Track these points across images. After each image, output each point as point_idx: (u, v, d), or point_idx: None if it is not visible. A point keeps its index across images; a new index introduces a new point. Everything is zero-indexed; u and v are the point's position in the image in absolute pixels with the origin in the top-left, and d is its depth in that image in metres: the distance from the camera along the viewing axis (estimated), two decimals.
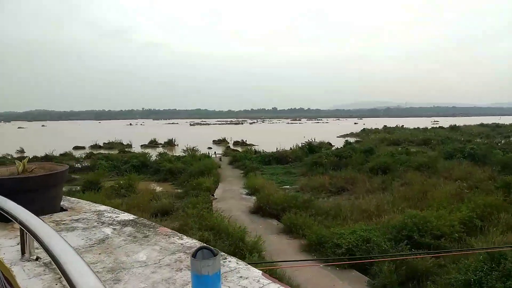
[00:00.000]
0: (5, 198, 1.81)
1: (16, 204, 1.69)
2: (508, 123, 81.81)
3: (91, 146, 51.50)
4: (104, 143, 54.19)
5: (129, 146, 52.57)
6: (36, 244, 1.47)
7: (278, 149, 35.29)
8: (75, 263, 1.00)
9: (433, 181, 17.55)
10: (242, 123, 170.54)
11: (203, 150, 39.85)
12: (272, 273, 7.92)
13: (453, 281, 7.51)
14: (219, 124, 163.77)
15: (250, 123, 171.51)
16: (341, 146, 36.38)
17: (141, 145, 52.38)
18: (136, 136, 64.91)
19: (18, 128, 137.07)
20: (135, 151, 41.40)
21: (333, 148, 36.66)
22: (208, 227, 10.79)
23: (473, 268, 7.57)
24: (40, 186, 2.57)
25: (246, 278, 1.61)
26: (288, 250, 10.90)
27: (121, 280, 1.60)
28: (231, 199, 17.76)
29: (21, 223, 1.53)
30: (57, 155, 37.72)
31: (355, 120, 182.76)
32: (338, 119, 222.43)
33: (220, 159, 33.38)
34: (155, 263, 1.78)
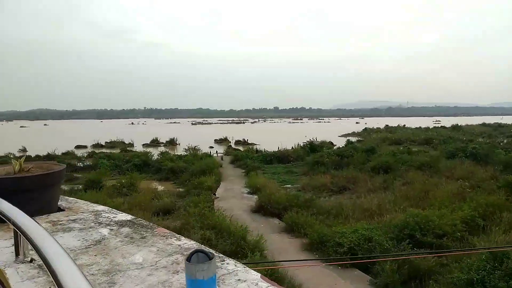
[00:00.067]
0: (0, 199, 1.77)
1: (10, 204, 1.65)
2: (510, 123, 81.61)
3: (93, 145, 51.61)
4: (106, 142, 54.31)
5: (131, 145, 52.62)
6: (30, 245, 1.47)
7: (279, 149, 35.27)
8: (66, 267, 0.98)
9: (435, 180, 17.50)
10: (243, 123, 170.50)
11: (204, 149, 39.85)
12: (274, 272, 7.92)
13: (456, 280, 7.47)
14: (221, 123, 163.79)
15: (252, 123, 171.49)
16: (343, 145, 36.36)
17: (143, 144, 52.43)
18: (137, 135, 65.00)
19: (20, 127, 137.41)
20: (137, 150, 41.47)
21: (334, 147, 36.63)
22: (210, 226, 10.79)
23: (476, 267, 7.54)
24: (37, 186, 2.54)
25: (244, 281, 1.58)
26: (290, 249, 10.89)
27: (116, 283, 1.57)
28: (233, 198, 17.75)
29: (14, 224, 1.50)
30: (59, 154, 37.78)
31: (357, 119, 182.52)
32: (340, 119, 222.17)
33: (222, 158, 33.38)
34: (151, 265, 1.75)
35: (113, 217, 2.59)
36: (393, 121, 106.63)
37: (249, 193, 18.82)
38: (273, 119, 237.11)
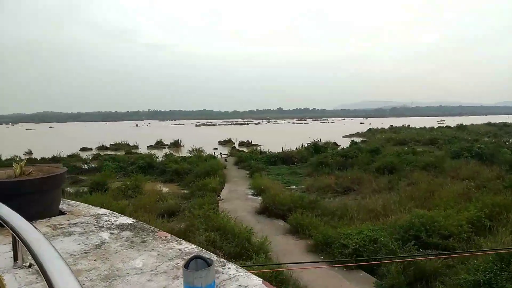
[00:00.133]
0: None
1: (9, 209, 1.63)
2: None
3: (98, 147, 51.81)
4: (110, 144, 54.50)
5: (136, 147, 52.80)
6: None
7: (283, 150, 35.23)
8: (61, 273, 0.96)
9: (440, 180, 17.40)
10: (247, 124, 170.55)
11: (208, 150, 39.91)
12: (278, 274, 7.90)
13: (462, 281, 7.41)
14: (225, 124, 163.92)
15: (256, 124, 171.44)
16: (347, 146, 36.24)
17: (147, 146, 52.58)
18: (142, 137, 65.18)
19: (26, 129, 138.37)
20: (142, 152, 41.59)
21: (339, 148, 36.53)
22: (215, 228, 10.79)
23: (483, 269, 7.47)
24: (38, 189, 2.53)
25: (246, 286, 1.56)
26: (295, 251, 10.87)
27: None
28: (237, 200, 17.75)
29: (12, 228, 1.48)
30: (64, 156, 38.02)
31: (361, 119, 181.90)
32: (344, 119, 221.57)
33: (226, 160, 33.40)
34: (151, 270, 1.73)
35: (114, 221, 2.58)
36: (397, 121, 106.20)
37: (253, 194, 18.81)
38: (277, 120, 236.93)
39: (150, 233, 2.30)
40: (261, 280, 1.63)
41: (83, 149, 48.60)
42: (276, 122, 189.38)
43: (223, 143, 56.95)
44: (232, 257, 9.29)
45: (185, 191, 20.29)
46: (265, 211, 14.93)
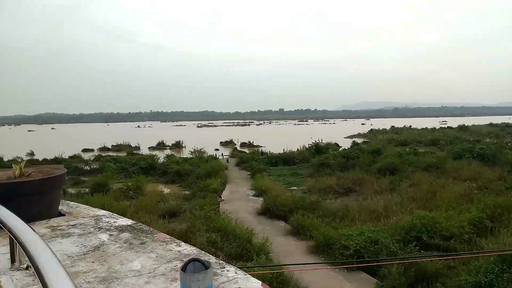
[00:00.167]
0: None
1: (8, 211, 1.62)
2: None
3: (99, 148, 51.87)
4: (112, 145, 54.59)
5: (137, 148, 52.87)
6: None
7: (285, 150, 35.21)
8: (57, 276, 0.94)
9: (441, 181, 17.35)
10: (249, 125, 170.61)
11: (210, 151, 39.94)
12: (279, 275, 7.90)
13: (464, 283, 7.39)
14: (226, 125, 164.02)
15: (257, 125, 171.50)
16: (349, 147, 36.19)
17: (149, 147, 52.65)
18: (144, 138, 65.31)
19: (28, 131, 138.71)
20: (143, 153, 41.66)
21: (340, 149, 36.49)
22: (216, 229, 10.79)
23: (484, 270, 7.45)
24: (37, 190, 2.53)
25: None
26: (296, 252, 10.86)
27: None
28: (238, 201, 17.75)
29: (9, 230, 1.47)
30: (66, 157, 38.10)
31: (362, 120, 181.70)
32: (345, 120, 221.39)
33: (227, 161, 33.42)
34: (149, 272, 1.72)
35: (114, 222, 2.57)
36: (399, 122, 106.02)
37: (254, 195, 18.80)
38: (278, 121, 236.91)
39: (149, 235, 2.29)
40: (260, 282, 1.62)
41: (85, 150, 48.69)
42: (278, 123, 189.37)
43: (225, 144, 56.99)
44: (233, 258, 9.29)
45: (187, 192, 20.30)
46: (266, 212, 14.91)
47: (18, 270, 1.74)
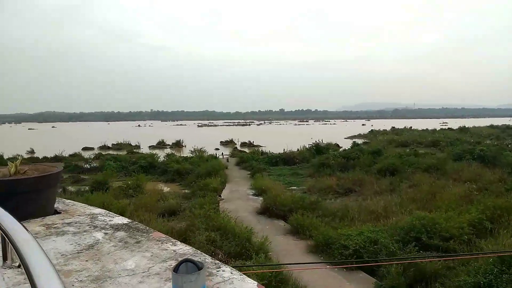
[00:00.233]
0: None
1: (0, 208, 1.59)
2: None
3: (99, 147, 51.88)
4: (112, 144, 54.58)
5: (137, 147, 52.91)
6: None
7: (285, 150, 35.21)
8: (46, 276, 0.92)
9: (441, 182, 17.34)
10: (249, 125, 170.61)
11: (210, 151, 39.94)
12: (278, 274, 7.90)
13: (462, 283, 7.39)
14: (227, 125, 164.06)
15: (257, 125, 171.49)
16: (349, 147, 36.20)
17: (149, 146, 52.64)
18: (144, 137, 65.29)
19: (29, 129, 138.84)
20: (143, 152, 41.67)
21: (340, 149, 36.49)
22: (215, 228, 10.79)
23: (483, 271, 7.45)
24: (32, 188, 2.50)
25: None
26: (295, 251, 10.86)
27: None
28: (238, 200, 17.75)
29: (1, 228, 1.44)
30: (66, 155, 38.12)
31: (363, 121, 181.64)
32: (346, 120, 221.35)
33: (227, 160, 33.42)
34: (143, 272, 1.69)
35: (109, 221, 2.54)
36: (400, 123, 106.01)
37: (254, 195, 18.81)
38: (278, 121, 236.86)
39: (144, 234, 2.27)
40: (256, 283, 1.61)
41: (85, 149, 48.68)
42: (278, 123, 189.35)
43: (225, 143, 57.00)
44: (232, 257, 9.29)
45: (186, 191, 20.31)
46: (266, 211, 14.91)
47: (10, 268, 1.71)
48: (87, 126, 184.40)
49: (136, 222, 2.55)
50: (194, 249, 2.04)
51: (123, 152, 43.11)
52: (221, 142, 58.03)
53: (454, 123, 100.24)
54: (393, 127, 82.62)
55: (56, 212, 2.73)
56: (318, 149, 33.84)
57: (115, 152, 42.92)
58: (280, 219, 14.13)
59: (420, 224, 10.31)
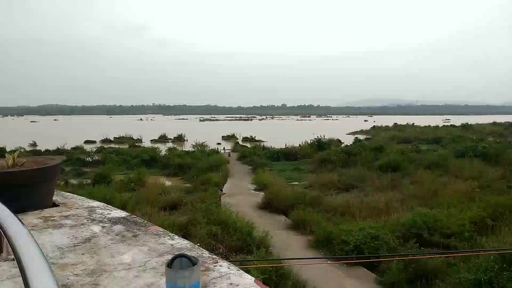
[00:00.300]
0: None
1: None
2: None
3: (102, 140, 52.04)
4: (114, 137, 54.73)
5: (139, 140, 52.98)
6: None
7: (287, 146, 35.21)
8: (39, 269, 0.91)
9: (443, 179, 17.31)
10: (251, 120, 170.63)
11: (212, 145, 39.97)
12: (279, 269, 7.92)
13: (463, 280, 7.40)
14: (229, 120, 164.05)
15: (260, 120, 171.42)
16: (351, 143, 36.16)
17: (151, 140, 52.75)
18: (146, 131, 65.38)
19: (31, 122, 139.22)
20: (145, 146, 41.75)
21: (342, 145, 36.46)
22: (216, 222, 10.82)
23: (484, 268, 7.45)
24: (30, 180, 2.49)
25: (237, 285, 1.52)
26: (296, 246, 10.87)
27: (99, 285, 1.50)
28: (239, 195, 17.77)
29: None
30: (68, 148, 38.24)
31: (365, 117, 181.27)
32: (348, 116, 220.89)
33: (229, 155, 33.44)
34: (140, 266, 1.68)
35: (107, 214, 2.53)
36: (402, 119, 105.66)
37: (256, 189, 18.83)
38: (281, 116, 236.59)
39: (142, 227, 2.25)
40: (253, 278, 1.59)
41: (87, 142, 48.80)
42: (280, 119, 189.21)
43: (227, 138, 57.05)
44: (233, 251, 9.32)
45: (188, 185, 20.34)
46: (267, 206, 14.93)
47: (5, 260, 1.70)
48: (89, 119, 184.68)
49: (134, 216, 2.53)
50: (192, 243, 2.03)
51: (125, 146, 43.18)
52: (222, 136, 58.07)
53: (457, 120, 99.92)
54: (396, 124, 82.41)
55: (55, 205, 2.72)
56: (319, 145, 33.81)
57: (117, 146, 42.99)
58: (281, 214, 14.15)
59: (421, 220, 10.30)
